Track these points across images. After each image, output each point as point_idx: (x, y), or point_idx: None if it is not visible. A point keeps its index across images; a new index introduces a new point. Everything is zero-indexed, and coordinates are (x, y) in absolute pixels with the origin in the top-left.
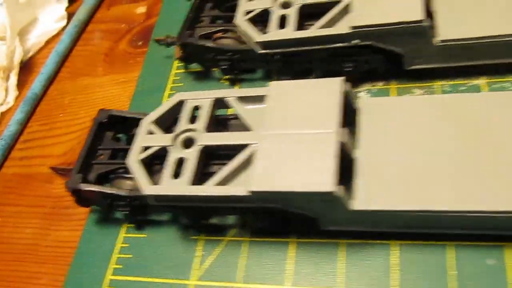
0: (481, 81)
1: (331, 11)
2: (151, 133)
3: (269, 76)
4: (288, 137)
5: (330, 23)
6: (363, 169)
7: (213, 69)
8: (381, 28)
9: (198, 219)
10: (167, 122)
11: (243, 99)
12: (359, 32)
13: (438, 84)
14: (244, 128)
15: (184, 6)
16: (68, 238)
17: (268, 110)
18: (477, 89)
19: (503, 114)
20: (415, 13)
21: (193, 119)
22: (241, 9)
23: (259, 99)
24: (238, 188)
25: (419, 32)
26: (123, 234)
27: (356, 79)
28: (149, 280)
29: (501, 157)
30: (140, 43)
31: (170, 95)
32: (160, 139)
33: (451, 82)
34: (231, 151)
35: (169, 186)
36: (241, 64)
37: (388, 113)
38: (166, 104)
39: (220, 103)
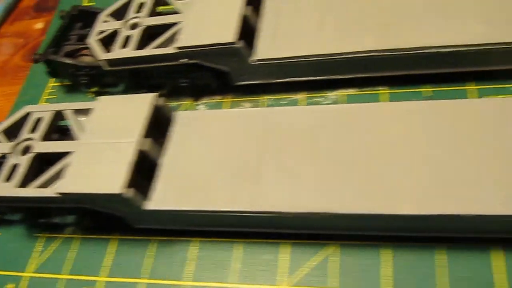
0: (300, 96)
1: (165, 33)
2: None
3: (128, 90)
4: (98, 145)
5: (166, 44)
6: (165, 174)
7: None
8: (201, 49)
9: (34, 218)
10: (15, 132)
11: (78, 112)
12: (186, 52)
13: (264, 98)
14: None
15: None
16: None
17: (90, 121)
18: (296, 103)
19: (310, 126)
20: (229, 36)
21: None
22: (96, 29)
23: (89, 111)
24: (47, 190)
25: (234, 53)
26: None
27: (196, 93)
28: None
29: (291, 163)
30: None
31: None
32: (1, 147)
33: (275, 97)
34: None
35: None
36: (101, 79)
37: (199, 125)
38: (14, 116)
39: (60, 115)
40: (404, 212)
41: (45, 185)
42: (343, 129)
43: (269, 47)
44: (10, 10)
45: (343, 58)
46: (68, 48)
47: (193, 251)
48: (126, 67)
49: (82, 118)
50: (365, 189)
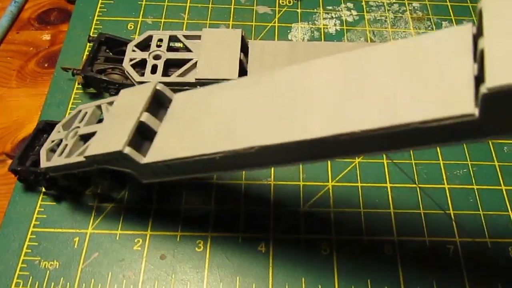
0: None
1: (184, 66)
2: (59, 132)
3: None
4: (113, 120)
5: (184, 73)
6: (158, 138)
7: (105, 93)
8: (212, 81)
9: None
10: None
11: (109, 104)
12: (200, 81)
13: None
14: None
15: (81, 41)
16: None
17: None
18: None
19: None
20: (233, 74)
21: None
22: (127, 57)
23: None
24: (79, 157)
25: None
26: (40, 202)
27: None
28: (60, 231)
29: None
30: (46, 64)
31: (71, 108)
32: (60, 135)
33: None
34: None
35: (53, 160)
36: None
37: (189, 101)
38: (71, 114)
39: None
40: None
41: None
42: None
43: None
44: (13, 21)
45: None
46: (98, 66)
47: None
48: None
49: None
50: None
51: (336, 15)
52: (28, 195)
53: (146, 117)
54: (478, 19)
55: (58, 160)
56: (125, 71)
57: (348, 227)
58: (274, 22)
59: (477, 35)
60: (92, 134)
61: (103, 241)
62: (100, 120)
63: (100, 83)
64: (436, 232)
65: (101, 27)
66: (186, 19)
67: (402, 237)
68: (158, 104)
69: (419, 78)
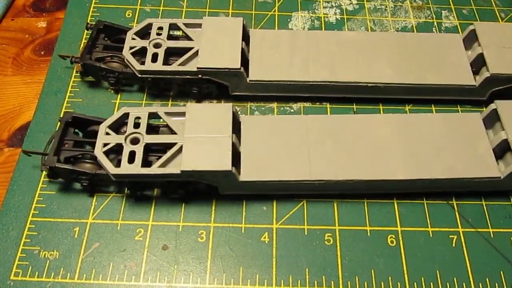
0: (274, 105)
1: (186, 55)
2: (107, 134)
3: (143, 89)
4: (202, 138)
5: (185, 62)
6: (245, 158)
7: (103, 81)
8: (214, 70)
9: (138, 190)
10: (116, 126)
11: (168, 114)
12: (202, 70)
13: (249, 104)
14: (171, 132)
15: (78, 29)
16: None
17: (188, 122)
18: (271, 110)
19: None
20: (235, 63)
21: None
22: (127, 45)
23: (180, 114)
24: (173, 168)
25: (237, 74)
26: (39, 191)
27: (199, 98)
28: (59, 220)
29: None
30: (43, 52)
31: (69, 97)
32: (116, 138)
33: (257, 104)
34: (162, 147)
35: (128, 168)
36: (123, 81)
37: (258, 125)
38: (116, 115)
39: (152, 115)
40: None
41: (163, 165)
42: (352, 129)
43: (257, 71)
44: (8, 7)
45: (304, 84)
46: (96, 54)
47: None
48: (154, 76)
49: (173, 118)
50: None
51: (336, 4)
52: (27, 184)
53: (234, 139)
54: (489, 112)
55: (133, 168)
56: (125, 59)
57: (352, 218)
58: (274, 11)
59: (488, 122)
60: (161, 145)
61: (104, 231)
62: (152, 128)
63: (99, 71)
64: (440, 223)
65: (98, 14)
66: (185, 7)
67: (405, 227)
68: (235, 125)
69: (457, 145)
